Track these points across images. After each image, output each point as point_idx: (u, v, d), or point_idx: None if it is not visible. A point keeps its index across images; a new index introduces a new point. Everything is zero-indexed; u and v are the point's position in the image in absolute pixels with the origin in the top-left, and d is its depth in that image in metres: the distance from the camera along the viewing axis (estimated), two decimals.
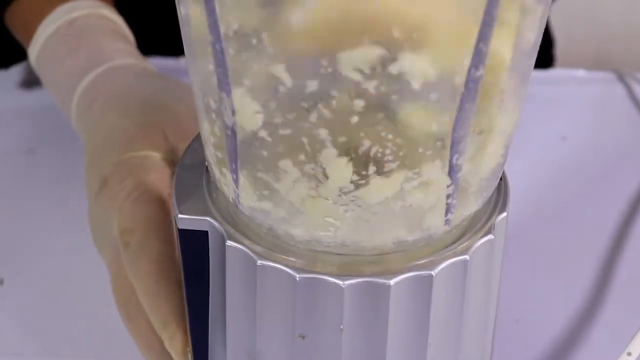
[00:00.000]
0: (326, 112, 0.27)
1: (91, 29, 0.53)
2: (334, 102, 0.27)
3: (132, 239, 0.40)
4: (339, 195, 0.29)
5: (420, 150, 0.28)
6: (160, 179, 0.42)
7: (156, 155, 0.43)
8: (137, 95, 0.48)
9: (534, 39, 0.29)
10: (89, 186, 0.45)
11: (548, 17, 0.81)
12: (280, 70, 0.27)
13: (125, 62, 0.51)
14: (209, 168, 0.33)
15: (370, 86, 0.27)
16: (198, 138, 0.35)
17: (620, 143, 0.62)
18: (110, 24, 0.54)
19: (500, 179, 0.34)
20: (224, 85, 0.29)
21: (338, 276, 0.31)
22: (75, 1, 0.54)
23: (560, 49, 0.81)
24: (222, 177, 0.32)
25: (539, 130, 0.61)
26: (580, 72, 0.68)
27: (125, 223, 0.40)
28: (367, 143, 0.28)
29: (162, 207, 0.41)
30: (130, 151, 0.44)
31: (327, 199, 0.29)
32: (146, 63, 0.53)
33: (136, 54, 0.53)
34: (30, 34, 0.54)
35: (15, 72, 0.65)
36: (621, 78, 0.67)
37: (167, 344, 0.38)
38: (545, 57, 0.78)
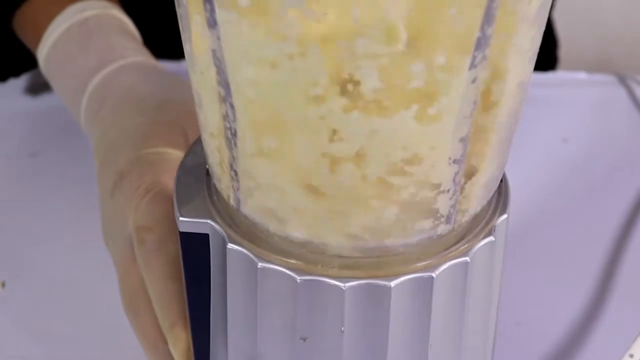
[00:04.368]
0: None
1: (102, 28, 0.53)
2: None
3: (149, 237, 0.39)
4: (339, 196, 0.29)
5: (422, 151, 0.28)
6: None
7: (175, 153, 0.43)
8: (152, 93, 0.48)
9: (533, 37, 0.29)
10: (102, 181, 0.45)
11: (552, 19, 0.81)
12: None
13: (137, 59, 0.51)
14: (209, 171, 0.34)
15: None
16: (199, 141, 0.35)
17: (621, 145, 0.62)
18: (121, 24, 0.54)
19: (501, 180, 0.34)
20: (225, 92, 0.29)
21: (339, 278, 0.31)
22: (85, 1, 0.54)
23: (561, 51, 0.81)
24: (223, 180, 0.32)
25: (540, 132, 0.62)
26: (582, 75, 0.68)
27: (143, 220, 0.40)
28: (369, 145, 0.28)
29: None
30: (149, 148, 0.43)
31: (328, 201, 0.29)
32: (157, 62, 0.53)
33: (147, 53, 0.53)
34: (39, 34, 0.54)
35: (21, 79, 0.65)
36: (622, 81, 0.67)
37: (171, 345, 0.38)
38: (549, 58, 0.79)
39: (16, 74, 0.65)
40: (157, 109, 0.46)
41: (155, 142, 0.44)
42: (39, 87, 0.64)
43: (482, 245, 0.32)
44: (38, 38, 0.54)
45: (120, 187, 0.42)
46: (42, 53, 0.54)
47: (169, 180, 0.41)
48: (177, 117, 0.45)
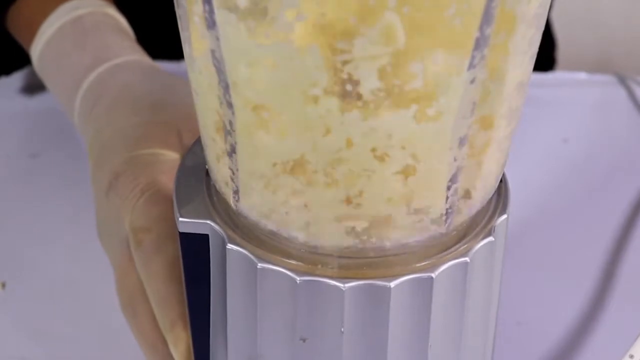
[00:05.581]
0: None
1: (97, 26, 0.53)
2: None
3: (146, 238, 0.39)
4: (339, 196, 0.29)
5: (421, 151, 0.28)
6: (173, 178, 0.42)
7: (170, 154, 0.43)
8: (148, 93, 0.48)
9: (532, 37, 0.29)
10: (97, 182, 0.45)
11: (550, 19, 0.81)
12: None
13: (133, 58, 0.51)
14: (209, 171, 0.34)
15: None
16: (198, 141, 0.35)
17: (621, 145, 0.62)
18: (115, 23, 0.54)
19: (501, 180, 0.34)
20: (224, 91, 0.29)
21: (338, 279, 0.31)
22: (79, 0, 0.54)
23: (561, 51, 0.81)
24: (222, 180, 0.32)
25: (540, 132, 0.62)
26: (582, 75, 0.68)
27: (140, 221, 0.40)
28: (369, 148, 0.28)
29: None
30: (143, 149, 0.43)
31: (327, 200, 0.29)
32: (152, 61, 0.53)
33: (142, 52, 0.53)
34: (33, 32, 0.54)
35: (16, 79, 0.65)
36: (622, 81, 0.67)
37: (171, 346, 0.38)
38: (547, 59, 0.79)
39: (7, 72, 0.65)
40: (152, 109, 0.46)
41: (150, 143, 0.44)
42: (35, 87, 0.64)
43: (482, 246, 0.32)
44: (32, 36, 0.54)
45: (115, 188, 0.42)
46: (36, 51, 0.54)
47: (164, 181, 0.41)
48: (172, 118, 0.45)
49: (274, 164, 0.29)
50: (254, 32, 0.26)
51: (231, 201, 0.32)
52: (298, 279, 0.31)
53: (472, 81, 0.27)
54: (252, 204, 0.31)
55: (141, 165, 0.42)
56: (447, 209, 0.30)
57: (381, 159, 0.28)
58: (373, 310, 0.31)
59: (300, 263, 0.31)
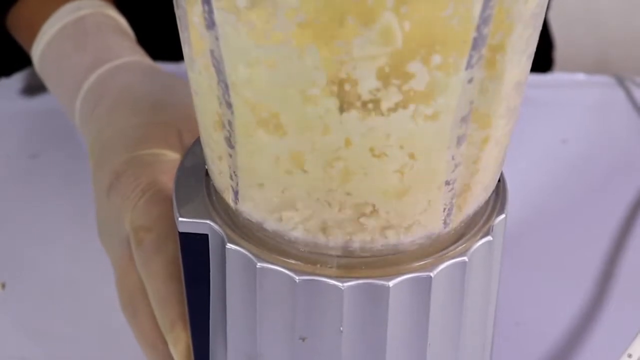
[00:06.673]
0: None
1: (98, 27, 0.53)
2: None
3: (146, 237, 0.40)
4: (338, 195, 0.29)
5: (419, 151, 0.29)
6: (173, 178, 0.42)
7: (170, 154, 0.44)
8: (149, 93, 0.48)
9: (530, 37, 0.29)
10: (97, 182, 0.45)
11: (548, 20, 0.81)
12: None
13: (133, 59, 0.51)
14: (208, 171, 0.34)
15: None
16: (198, 141, 0.35)
17: (620, 146, 0.62)
18: (116, 24, 0.54)
19: (499, 180, 0.34)
20: (223, 91, 0.29)
21: (337, 278, 0.31)
22: (80, 1, 0.54)
23: (560, 52, 0.81)
24: (222, 179, 0.32)
25: (539, 133, 0.62)
26: (580, 76, 0.68)
27: (141, 220, 0.40)
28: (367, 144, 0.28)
29: None
30: (144, 149, 0.44)
31: (326, 199, 0.30)
32: (153, 62, 0.53)
33: (143, 52, 0.53)
34: (34, 33, 0.54)
35: (17, 80, 0.66)
36: (621, 82, 0.67)
37: (171, 346, 0.38)
38: (545, 60, 0.79)
39: (8, 73, 0.66)
40: (152, 109, 0.46)
41: (150, 143, 0.44)
42: (35, 88, 0.64)
43: (480, 245, 0.32)
44: (33, 37, 0.54)
45: (117, 187, 0.42)
46: (37, 51, 0.54)
47: (164, 181, 0.41)
48: (172, 119, 0.45)
49: (273, 164, 0.29)
50: (253, 32, 0.26)
51: (230, 201, 0.32)
52: (297, 278, 0.31)
53: (470, 81, 0.27)
54: (251, 204, 0.31)
55: (142, 165, 0.42)
56: (445, 208, 0.30)
57: (379, 158, 0.28)
58: (372, 310, 0.31)
59: (299, 262, 0.31)
